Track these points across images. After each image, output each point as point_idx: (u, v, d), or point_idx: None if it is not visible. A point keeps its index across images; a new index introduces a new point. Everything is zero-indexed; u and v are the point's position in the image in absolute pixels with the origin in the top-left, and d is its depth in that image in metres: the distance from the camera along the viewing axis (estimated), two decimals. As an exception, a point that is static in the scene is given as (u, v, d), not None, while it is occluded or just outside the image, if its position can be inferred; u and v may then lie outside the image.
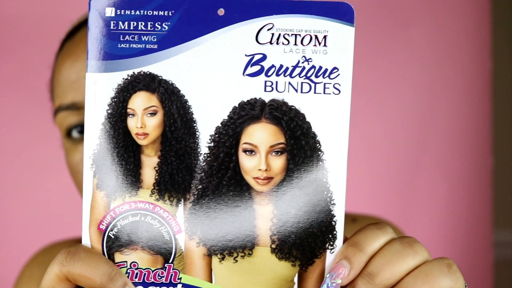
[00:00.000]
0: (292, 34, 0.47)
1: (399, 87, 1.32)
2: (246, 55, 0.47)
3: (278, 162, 0.47)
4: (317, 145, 0.47)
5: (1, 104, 1.31)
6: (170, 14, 0.47)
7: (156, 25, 0.47)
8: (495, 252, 1.45)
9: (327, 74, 0.48)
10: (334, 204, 0.48)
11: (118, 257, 0.47)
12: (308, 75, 0.48)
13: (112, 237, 0.47)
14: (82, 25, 0.78)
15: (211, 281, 0.48)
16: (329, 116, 0.47)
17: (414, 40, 1.32)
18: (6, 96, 1.30)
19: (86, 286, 0.45)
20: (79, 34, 0.78)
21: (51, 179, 1.30)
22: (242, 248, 0.48)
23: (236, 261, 0.48)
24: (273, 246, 0.48)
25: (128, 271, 0.47)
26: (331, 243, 0.48)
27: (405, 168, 1.32)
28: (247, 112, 0.47)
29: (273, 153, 0.47)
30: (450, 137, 1.36)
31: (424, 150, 1.34)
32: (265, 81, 0.47)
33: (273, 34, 0.47)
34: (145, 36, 0.47)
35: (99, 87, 0.47)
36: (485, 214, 1.39)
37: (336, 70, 0.48)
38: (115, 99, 0.47)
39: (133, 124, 0.47)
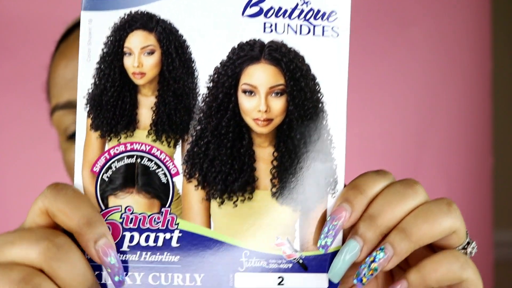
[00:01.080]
0: None
1: (399, 87, 1.32)
2: None
3: (278, 103, 0.46)
4: (317, 87, 0.46)
5: (1, 104, 1.30)
6: None
7: None
8: (495, 252, 1.43)
9: (325, 16, 0.47)
10: (334, 147, 0.46)
11: (112, 201, 0.46)
12: (307, 17, 0.47)
13: (106, 179, 0.46)
14: (76, 27, 0.79)
15: (209, 227, 0.46)
16: (328, 59, 0.47)
17: (414, 40, 1.32)
18: (6, 96, 1.30)
19: (64, 225, 0.43)
20: (73, 35, 0.79)
21: (50, 179, 1.28)
22: (242, 192, 0.46)
23: (236, 205, 0.46)
24: (274, 189, 0.46)
25: (123, 216, 0.46)
26: (332, 187, 0.47)
27: (405, 168, 1.30)
28: (246, 53, 0.46)
29: (273, 94, 0.46)
30: (450, 137, 1.36)
31: (424, 150, 1.32)
32: (264, 23, 0.46)
33: None
34: None
35: (94, 25, 0.46)
36: (485, 214, 1.37)
37: (334, 13, 0.47)
38: (111, 38, 0.46)
39: (129, 63, 0.46)
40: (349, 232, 0.46)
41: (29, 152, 1.29)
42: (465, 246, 0.46)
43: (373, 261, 0.44)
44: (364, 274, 0.45)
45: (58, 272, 0.41)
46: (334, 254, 0.46)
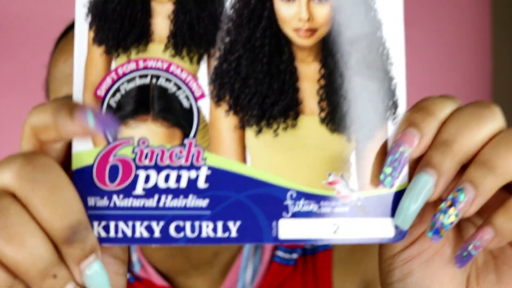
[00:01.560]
0: None
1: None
2: None
3: (323, 11, 0.38)
4: None
5: (1, 104, 1.27)
6: None
7: None
8: None
9: None
10: (391, 63, 0.38)
11: (122, 132, 0.36)
12: None
13: (114, 105, 0.36)
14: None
15: (245, 162, 0.37)
16: None
17: (414, 40, 1.28)
18: (6, 96, 1.27)
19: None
20: (72, 32, 0.73)
21: None
22: (284, 118, 0.37)
23: (277, 134, 0.37)
24: (322, 114, 0.37)
25: (135, 150, 0.36)
26: (393, 111, 0.38)
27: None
28: None
29: (316, 0, 0.38)
30: None
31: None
32: None
33: None
34: None
35: None
36: None
37: None
38: None
39: (140, -35, 0.37)
40: (415, 168, 0.37)
41: None
42: None
43: (450, 205, 0.35)
44: (442, 223, 0.35)
45: (32, 197, 0.32)
46: (401, 193, 0.37)
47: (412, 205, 0.36)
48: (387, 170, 0.36)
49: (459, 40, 1.32)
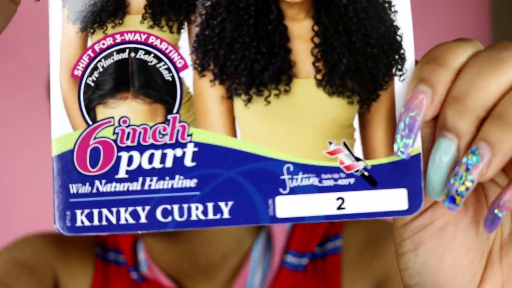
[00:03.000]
0: None
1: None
2: None
3: None
4: None
5: (1, 104, 1.30)
6: None
7: None
8: None
9: None
10: (395, 11, 0.34)
11: (102, 112, 0.34)
12: None
13: (92, 84, 0.34)
14: None
15: (235, 135, 0.33)
16: None
17: (415, 39, 1.24)
18: (6, 96, 1.30)
19: None
20: None
21: (49, 179, 1.28)
22: (276, 83, 0.33)
23: (269, 102, 0.33)
24: (319, 76, 0.33)
25: (116, 131, 0.33)
26: (399, 66, 0.33)
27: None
28: None
29: None
30: None
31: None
32: None
33: None
34: None
35: None
36: None
37: None
38: None
39: None
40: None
41: (29, 151, 1.29)
42: None
43: (465, 170, 0.31)
44: (457, 191, 0.31)
45: None
46: (414, 159, 0.33)
47: (438, 176, 0.31)
48: (400, 139, 0.32)
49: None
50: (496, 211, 0.31)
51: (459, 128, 0.31)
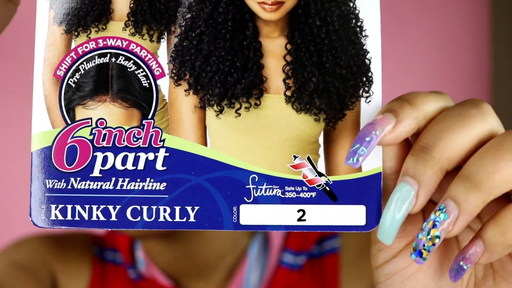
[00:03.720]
0: None
1: (399, 87, 1.27)
2: None
3: None
4: None
5: (1, 104, 1.30)
6: None
7: None
8: None
9: None
10: (366, 36, 0.35)
11: (80, 113, 0.35)
12: None
13: (73, 85, 0.36)
14: None
15: (205, 144, 0.35)
16: None
17: (414, 39, 1.28)
18: (7, 96, 1.29)
19: None
20: None
21: None
22: (247, 97, 0.35)
23: (239, 114, 0.35)
24: (288, 93, 0.35)
25: (93, 131, 0.35)
26: (366, 88, 0.35)
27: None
28: None
29: None
30: None
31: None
32: None
33: None
34: None
35: None
36: None
37: None
38: None
39: None
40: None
41: (29, 152, 1.30)
42: None
43: (432, 226, 0.32)
44: (424, 245, 0.32)
45: None
46: (373, 178, 0.34)
47: (393, 220, 0.33)
48: (355, 146, 0.33)
49: (459, 40, 1.29)
50: (461, 263, 0.33)
51: (422, 176, 0.32)
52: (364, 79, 0.35)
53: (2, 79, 1.33)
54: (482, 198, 0.31)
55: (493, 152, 0.32)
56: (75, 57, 0.36)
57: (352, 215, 0.35)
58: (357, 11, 0.35)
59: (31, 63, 0.36)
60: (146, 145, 0.35)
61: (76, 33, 0.36)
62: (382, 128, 0.33)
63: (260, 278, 0.70)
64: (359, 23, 0.35)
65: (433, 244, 0.32)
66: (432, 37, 1.31)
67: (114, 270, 0.73)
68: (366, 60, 0.35)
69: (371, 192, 0.35)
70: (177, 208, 0.35)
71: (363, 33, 0.35)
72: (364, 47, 0.35)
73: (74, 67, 0.36)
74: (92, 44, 0.36)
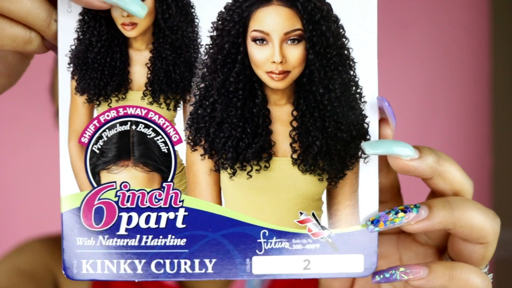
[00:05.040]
0: None
1: (398, 87, 1.31)
2: None
3: (295, 52, 0.38)
4: (341, 30, 0.38)
5: (2, 104, 1.30)
6: None
7: None
8: (495, 252, 1.35)
9: None
10: (365, 102, 0.39)
11: (105, 177, 0.39)
12: None
13: (97, 151, 0.39)
14: None
15: (220, 203, 0.39)
16: None
17: (414, 40, 1.29)
18: (7, 96, 1.30)
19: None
20: None
21: (51, 181, 1.30)
22: (257, 160, 0.39)
23: (250, 176, 0.39)
24: (295, 156, 0.39)
25: (118, 194, 0.39)
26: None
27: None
28: None
29: (289, 42, 0.38)
30: (449, 137, 1.33)
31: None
32: None
33: None
34: None
35: None
36: None
37: None
38: (95, -16, 0.38)
39: (117, 13, 0.38)
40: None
41: (31, 153, 1.30)
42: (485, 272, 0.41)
43: (402, 210, 0.37)
44: (385, 219, 0.38)
45: None
46: (370, 233, 0.39)
47: (381, 144, 0.38)
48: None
49: (459, 40, 1.30)
50: (396, 271, 0.38)
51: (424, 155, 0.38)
52: (363, 141, 0.39)
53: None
54: (449, 220, 0.37)
55: (472, 202, 0.38)
56: (97, 125, 0.39)
57: (352, 263, 0.39)
58: (357, 79, 0.39)
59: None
60: (167, 206, 0.39)
61: (97, 102, 0.39)
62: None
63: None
64: (358, 90, 0.39)
65: (392, 222, 0.37)
66: (432, 37, 1.31)
67: None
68: (365, 124, 0.39)
69: (368, 243, 0.39)
70: (196, 261, 0.39)
71: (362, 99, 0.39)
72: (363, 112, 0.39)
73: (97, 135, 0.39)
74: (113, 112, 0.39)
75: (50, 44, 0.38)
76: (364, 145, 0.37)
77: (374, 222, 0.38)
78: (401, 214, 0.37)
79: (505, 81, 1.34)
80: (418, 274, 0.37)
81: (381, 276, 0.38)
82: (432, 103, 1.33)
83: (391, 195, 0.42)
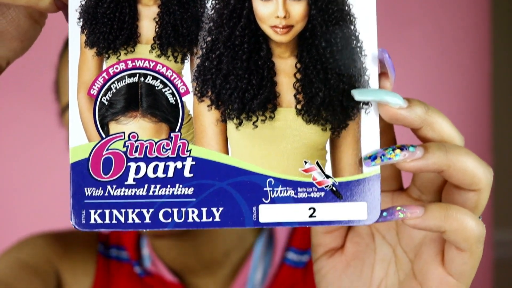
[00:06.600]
0: None
1: (398, 87, 1.30)
2: None
3: (299, 8, 0.40)
4: None
5: (2, 104, 1.29)
6: None
7: None
8: (495, 252, 1.37)
9: None
10: (365, 55, 0.40)
11: (114, 127, 0.40)
12: None
13: (106, 103, 0.40)
14: None
15: (227, 153, 0.40)
16: None
17: (414, 40, 1.31)
18: (7, 96, 1.29)
19: None
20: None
21: (53, 181, 1.28)
22: (262, 110, 0.40)
23: (256, 126, 0.40)
24: (299, 106, 0.40)
25: (126, 144, 0.39)
26: (365, 102, 0.40)
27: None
28: None
29: None
30: None
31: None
32: None
33: None
34: None
35: None
36: (485, 214, 1.32)
37: None
38: None
39: (127, -30, 0.40)
40: None
41: (34, 152, 1.29)
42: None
43: (398, 148, 0.39)
44: (382, 155, 0.39)
45: None
46: (372, 179, 0.40)
47: (373, 92, 0.39)
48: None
49: (459, 40, 1.33)
50: (393, 210, 0.40)
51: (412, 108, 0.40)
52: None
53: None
54: (444, 161, 0.38)
55: (467, 151, 0.39)
56: (106, 77, 0.40)
57: (356, 211, 0.40)
58: (357, 33, 0.40)
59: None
60: (175, 155, 0.39)
61: (106, 55, 0.40)
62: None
63: (264, 275, 0.73)
64: (359, 44, 0.40)
65: (389, 158, 0.39)
66: (432, 37, 1.32)
67: (119, 267, 0.75)
68: (365, 77, 0.40)
69: (371, 191, 0.40)
70: (204, 210, 0.39)
71: (363, 53, 0.40)
72: (364, 65, 0.40)
73: (106, 87, 0.40)
74: (122, 65, 0.40)
75: (61, 4, 0.39)
76: (354, 92, 0.39)
77: (372, 157, 0.39)
78: (397, 151, 0.39)
79: (505, 81, 1.36)
80: (415, 214, 0.38)
81: (379, 216, 0.39)
82: (432, 103, 1.33)
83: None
